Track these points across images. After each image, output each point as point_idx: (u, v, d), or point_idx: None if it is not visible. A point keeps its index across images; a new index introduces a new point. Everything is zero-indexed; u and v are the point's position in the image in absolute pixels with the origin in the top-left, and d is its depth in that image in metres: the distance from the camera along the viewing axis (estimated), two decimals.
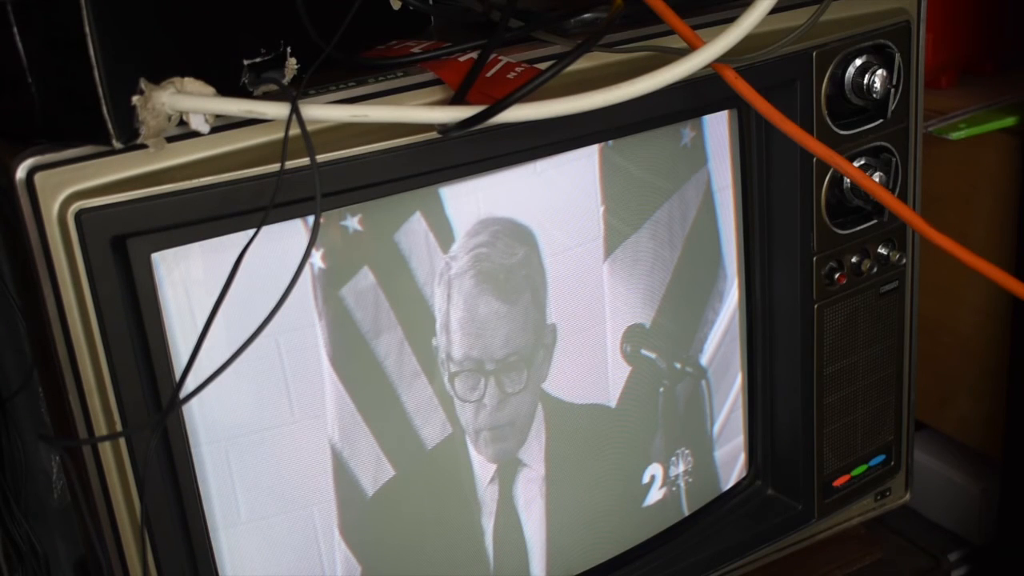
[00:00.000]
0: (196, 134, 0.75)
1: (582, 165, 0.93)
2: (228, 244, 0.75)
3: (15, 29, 0.70)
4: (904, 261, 1.08)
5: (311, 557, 0.90)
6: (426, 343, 0.90)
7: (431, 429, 0.93)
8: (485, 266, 0.90)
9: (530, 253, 0.92)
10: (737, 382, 1.10)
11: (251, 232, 0.72)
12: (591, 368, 1.00)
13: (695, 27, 0.83)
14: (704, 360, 1.07)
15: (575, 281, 0.96)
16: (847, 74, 0.99)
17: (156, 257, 0.76)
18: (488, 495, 0.98)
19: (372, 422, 0.90)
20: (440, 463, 0.94)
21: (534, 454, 0.99)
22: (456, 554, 0.99)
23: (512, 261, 0.92)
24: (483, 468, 0.97)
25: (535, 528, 1.01)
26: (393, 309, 0.88)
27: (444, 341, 0.91)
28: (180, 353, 0.79)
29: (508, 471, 0.98)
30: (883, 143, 1.03)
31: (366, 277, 0.86)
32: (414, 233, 0.87)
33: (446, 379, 0.92)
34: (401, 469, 0.92)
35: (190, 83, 0.73)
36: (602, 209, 0.95)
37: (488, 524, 0.99)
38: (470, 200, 0.89)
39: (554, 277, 0.95)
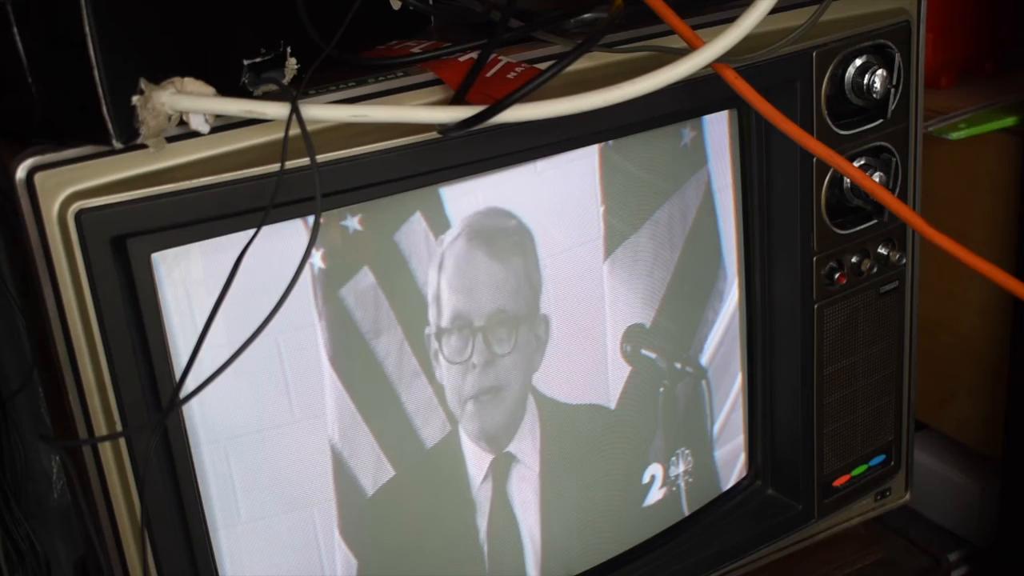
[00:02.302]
0: (196, 134, 0.75)
1: (582, 165, 0.93)
2: (228, 244, 0.75)
3: (15, 29, 0.70)
4: (904, 261, 1.08)
5: (311, 557, 0.90)
6: (425, 340, 0.90)
7: (431, 429, 0.93)
8: (476, 228, 0.90)
9: (521, 225, 0.92)
10: (737, 382, 1.10)
11: (251, 232, 0.72)
12: (591, 368, 1.00)
13: (695, 27, 0.82)
14: (704, 360, 1.07)
15: (575, 281, 0.96)
16: (847, 74, 0.99)
17: (156, 257, 0.76)
18: (482, 494, 0.98)
19: (372, 422, 0.90)
20: (438, 462, 0.94)
21: (527, 451, 0.99)
22: (454, 553, 0.99)
23: (505, 225, 0.91)
24: (477, 466, 0.97)
25: (531, 526, 1.01)
26: (393, 309, 0.88)
27: (435, 313, 0.90)
28: (180, 353, 0.79)
29: (501, 468, 0.98)
30: (883, 143, 1.03)
31: (366, 277, 0.86)
32: (414, 233, 0.87)
33: (434, 344, 0.91)
34: (401, 469, 0.92)
35: (190, 83, 0.73)
36: (602, 209, 0.95)
37: (483, 523, 0.99)
38: (470, 200, 0.89)
39: (553, 277, 0.94)
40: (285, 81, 0.80)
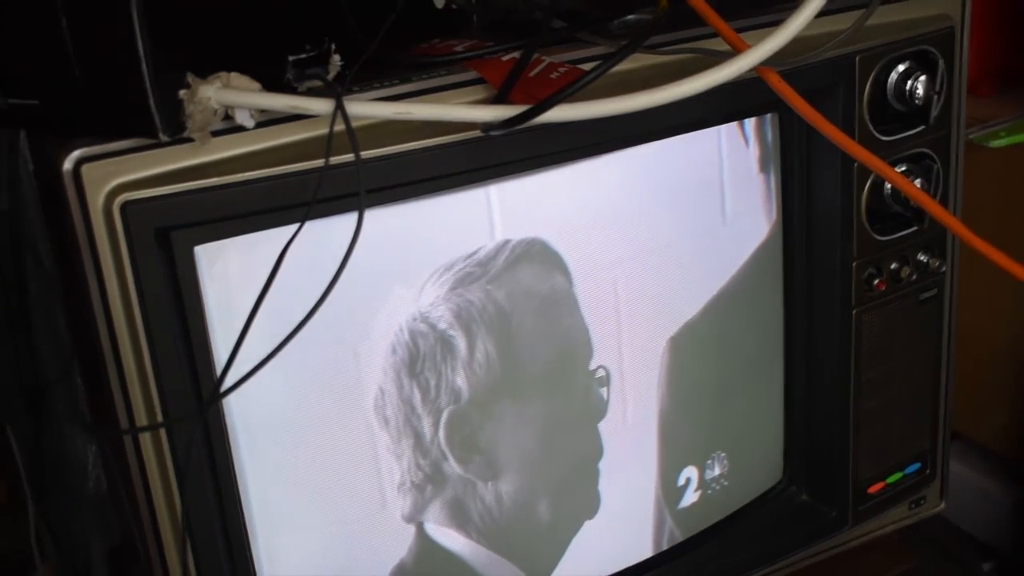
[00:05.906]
0: (241, 128, 0.75)
1: (624, 166, 0.93)
2: (271, 239, 0.75)
3: (64, 23, 0.70)
4: (944, 269, 1.07)
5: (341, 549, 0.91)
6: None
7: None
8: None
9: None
10: (775, 386, 1.09)
11: (294, 227, 0.73)
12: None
13: (736, 31, 0.82)
14: (744, 363, 1.06)
15: (611, 283, 0.96)
16: (890, 79, 0.98)
17: (199, 250, 0.77)
18: None
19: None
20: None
21: None
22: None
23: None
24: None
25: None
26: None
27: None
28: (221, 346, 0.79)
29: None
30: (924, 149, 1.02)
31: None
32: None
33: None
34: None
35: (236, 78, 0.73)
36: (644, 211, 0.95)
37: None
38: (512, 200, 0.89)
39: (591, 284, 0.94)
40: (329, 77, 0.80)
